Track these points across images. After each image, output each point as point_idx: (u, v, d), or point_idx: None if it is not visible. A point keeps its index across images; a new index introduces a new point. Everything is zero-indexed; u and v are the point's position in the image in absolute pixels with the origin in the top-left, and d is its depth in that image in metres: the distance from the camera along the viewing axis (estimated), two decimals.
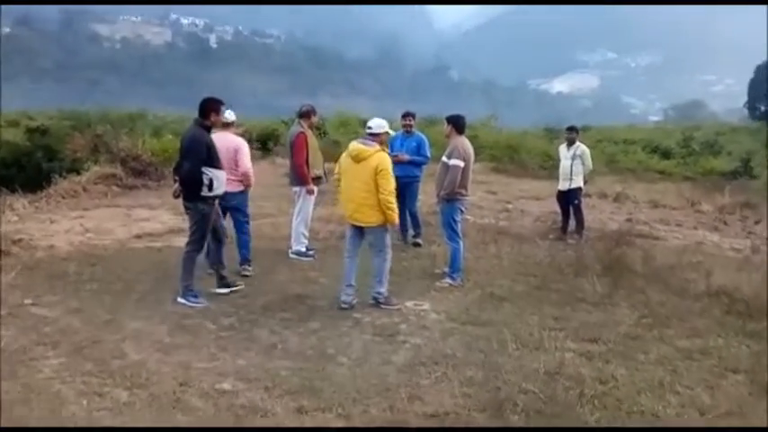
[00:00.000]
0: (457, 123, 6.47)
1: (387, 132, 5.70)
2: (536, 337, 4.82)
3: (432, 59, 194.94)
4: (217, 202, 5.65)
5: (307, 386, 3.86)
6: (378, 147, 5.50)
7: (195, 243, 5.57)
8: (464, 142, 6.44)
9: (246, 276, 6.33)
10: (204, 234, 5.58)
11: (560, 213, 9.38)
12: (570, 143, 9.02)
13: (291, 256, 7.25)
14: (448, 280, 6.36)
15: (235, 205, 6.40)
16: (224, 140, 6.06)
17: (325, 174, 7.57)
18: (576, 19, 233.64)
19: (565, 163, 8.98)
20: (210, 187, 5.40)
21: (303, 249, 7.29)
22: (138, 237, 8.21)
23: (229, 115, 6.37)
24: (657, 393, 4.00)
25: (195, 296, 5.51)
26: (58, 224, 8.93)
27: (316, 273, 6.64)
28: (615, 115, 78.56)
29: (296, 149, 7.11)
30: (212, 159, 5.43)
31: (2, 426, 3.38)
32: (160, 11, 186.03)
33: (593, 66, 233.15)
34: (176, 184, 5.68)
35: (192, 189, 5.41)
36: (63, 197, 11.16)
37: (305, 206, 7.27)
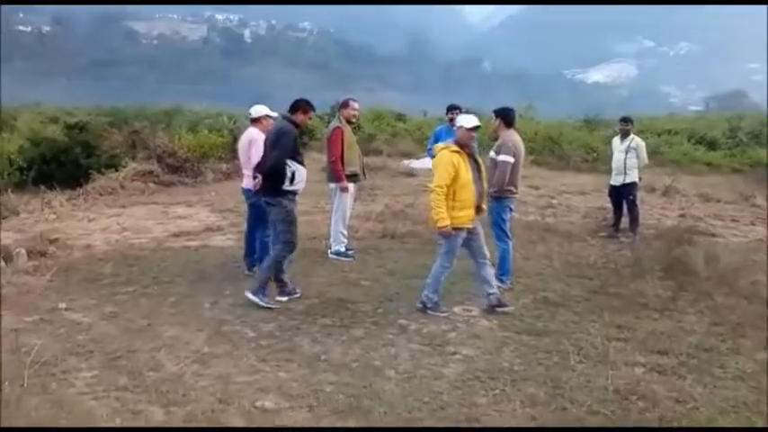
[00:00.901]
0: (506, 117, 6.06)
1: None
2: (600, 349, 4.42)
3: (463, 52, 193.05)
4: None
5: (354, 405, 3.55)
6: (442, 145, 5.33)
7: (286, 244, 5.38)
8: (513, 137, 6.04)
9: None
10: (294, 232, 5.43)
11: (612, 209, 8.88)
12: (624, 135, 8.50)
13: (331, 256, 6.96)
14: (497, 282, 5.98)
15: (254, 202, 6.15)
16: (245, 135, 6.14)
17: (363, 170, 7.24)
18: (612, 8, 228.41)
19: (618, 156, 8.47)
20: (292, 180, 5.26)
21: (343, 249, 6.99)
22: (176, 235, 8.04)
23: (254, 111, 6.18)
24: (743, 415, 3.59)
25: (266, 294, 5.33)
26: (96, 222, 8.84)
27: (356, 274, 6.34)
28: (654, 105, 76.41)
29: (330, 144, 6.81)
30: (298, 153, 5.36)
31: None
32: (195, 8, 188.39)
33: (630, 55, 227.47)
34: (258, 180, 5.40)
35: (274, 182, 5.25)
36: (101, 194, 11.12)
37: (341, 204, 6.96)
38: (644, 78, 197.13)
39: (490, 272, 5.36)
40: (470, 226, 5.17)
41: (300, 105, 5.53)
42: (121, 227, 8.43)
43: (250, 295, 5.26)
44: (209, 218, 9.02)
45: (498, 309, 5.21)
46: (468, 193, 5.07)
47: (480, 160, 5.34)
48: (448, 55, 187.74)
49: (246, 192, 6.13)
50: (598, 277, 6.38)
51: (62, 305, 5.22)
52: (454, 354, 4.39)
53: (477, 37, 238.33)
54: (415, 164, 15.73)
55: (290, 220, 5.35)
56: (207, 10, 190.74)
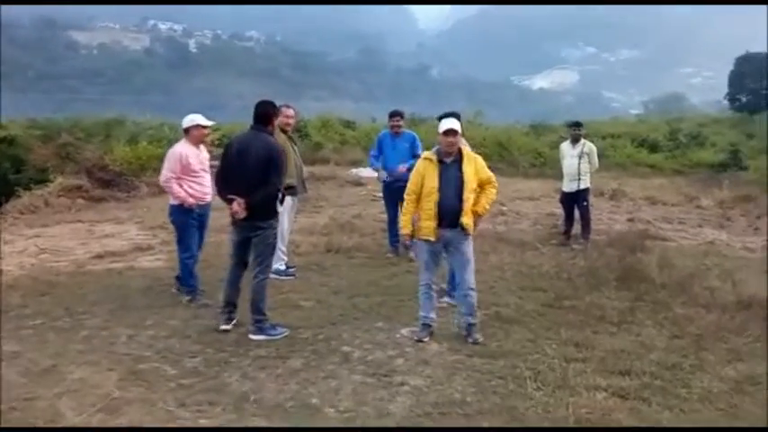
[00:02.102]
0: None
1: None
2: (558, 372, 4.07)
3: (413, 59, 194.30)
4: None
5: None
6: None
7: (267, 267, 4.90)
8: (460, 142, 5.68)
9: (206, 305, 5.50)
10: (273, 254, 4.98)
11: (563, 216, 8.67)
12: (575, 140, 8.29)
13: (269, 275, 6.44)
14: (447, 299, 5.59)
15: (181, 222, 5.65)
16: (173, 149, 5.63)
17: (303, 182, 6.76)
18: (554, 15, 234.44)
19: (571, 162, 8.24)
20: (282, 200, 4.87)
21: (282, 267, 6.49)
22: (99, 257, 7.36)
23: (185, 121, 5.68)
24: None
25: (274, 327, 4.80)
26: (12, 245, 8.05)
27: (297, 295, 5.85)
28: (597, 110, 78.53)
29: None
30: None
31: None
32: (137, 17, 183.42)
33: (573, 61, 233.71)
34: (236, 206, 4.65)
35: (269, 204, 4.75)
36: (22, 213, 10.29)
37: (279, 219, 6.47)
38: (587, 84, 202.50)
39: (471, 300, 4.81)
40: (431, 239, 4.75)
41: (269, 113, 4.91)
42: (39, 249, 7.69)
43: (258, 337, 4.70)
44: (138, 236, 8.36)
45: (468, 339, 4.73)
46: (431, 203, 4.69)
47: (467, 171, 4.70)
48: (398, 62, 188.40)
49: (173, 209, 5.59)
50: (552, 289, 6.08)
51: None
52: (402, 385, 3.95)
53: (427, 44, 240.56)
54: (364, 172, 15.33)
55: (276, 243, 5.00)
56: (149, 20, 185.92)
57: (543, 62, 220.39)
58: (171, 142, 14.43)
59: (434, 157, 4.75)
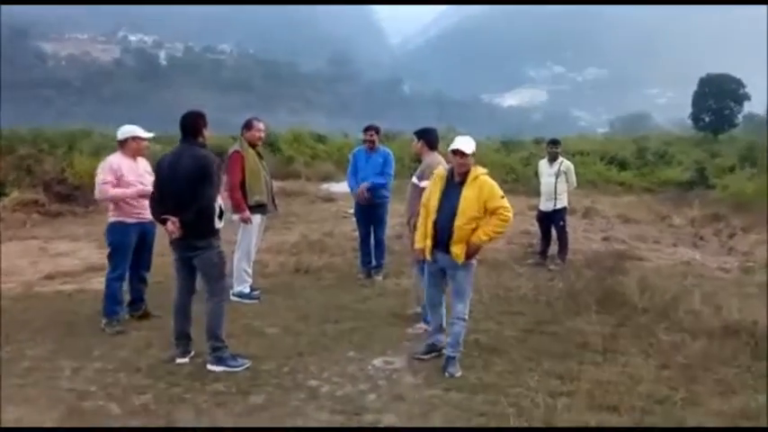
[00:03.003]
0: (429, 138, 5.42)
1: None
2: (542, 409, 3.77)
3: (384, 74, 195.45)
4: None
5: None
6: None
7: (221, 290, 4.55)
8: (437, 160, 5.40)
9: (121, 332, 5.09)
10: (225, 275, 4.60)
11: (540, 235, 8.45)
12: (553, 158, 8.08)
13: (232, 298, 6.03)
14: (423, 324, 5.28)
15: (115, 241, 5.28)
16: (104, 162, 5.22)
17: (272, 199, 6.40)
18: (522, 35, 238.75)
19: (548, 180, 8.03)
20: (221, 216, 4.44)
21: (246, 290, 6.11)
22: (50, 278, 6.87)
23: (120, 132, 5.28)
24: None
25: (235, 358, 4.40)
26: None
27: (261, 321, 5.45)
28: (565, 128, 79.65)
29: (228, 171, 5.95)
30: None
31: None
32: (107, 28, 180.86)
33: (541, 80, 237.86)
34: (170, 225, 4.30)
35: (204, 222, 4.34)
36: None
37: (245, 238, 6.11)
38: (555, 103, 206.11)
39: (457, 330, 4.52)
40: (427, 258, 4.52)
41: (197, 123, 4.48)
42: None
43: (216, 368, 4.31)
44: (93, 255, 7.86)
45: (445, 372, 4.38)
46: (429, 222, 4.45)
47: (466, 195, 4.37)
48: (369, 74, 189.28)
49: (111, 228, 5.22)
50: (531, 313, 5.81)
51: None
52: (373, 425, 3.61)
53: (398, 58, 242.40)
54: (335, 188, 15.02)
55: (224, 262, 4.54)
56: (120, 31, 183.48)
57: (512, 80, 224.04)
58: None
59: (445, 174, 4.51)
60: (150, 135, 5.34)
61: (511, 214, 4.39)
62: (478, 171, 4.49)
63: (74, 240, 8.81)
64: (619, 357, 4.75)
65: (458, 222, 4.32)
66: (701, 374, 4.44)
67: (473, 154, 4.45)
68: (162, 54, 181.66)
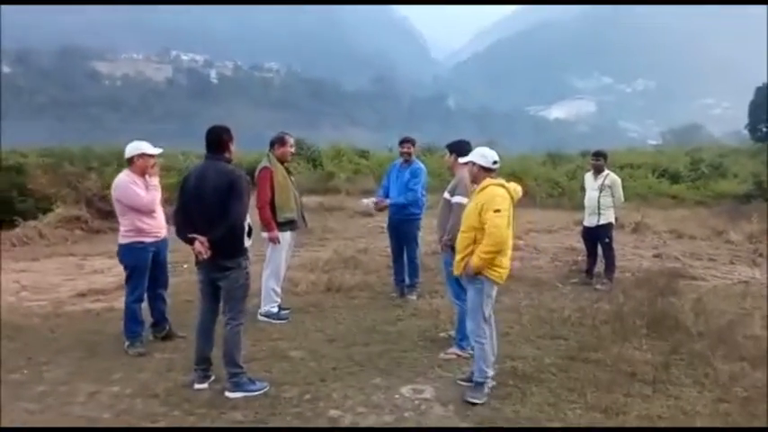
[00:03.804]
0: (461, 151, 5.11)
1: None
2: None
3: (428, 89, 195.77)
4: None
5: None
6: None
7: (242, 313, 4.34)
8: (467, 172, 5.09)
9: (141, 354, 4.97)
10: (247, 296, 4.40)
11: (585, 252, 8.00)
12: (597, 171, 7.63)
13: (260, 317, 5.86)
14: (455, 349, 4.96)
15: (130, 263, 5.18)
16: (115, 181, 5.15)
17: (303, 216, 6.21)
18: (569, 46, 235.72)
19: (591, 195, 7.58)
20: (249, 234, 4.27)
21: (274, 310, 5.91)
22: (82, 295, 6.84)
23: (128, 149, 5.13)
24: None
25: (253, 382, 4.22)
26: None
27: (287, 343, 5.23)
28: (613, 140, 77.85)
29: (257, 187, 5.79)
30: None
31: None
32: (160, 47, 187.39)
33: (589, 92, 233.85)
34: (198, 246, 4.08)
35: (233, 242, 4.16)
36: (14, 245, 9.84)
37: (274, 257, 5.92)
38: (603, 114, 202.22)
39: (475, 354, 4.32)
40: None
41: (222, 138, 4.29)
42: (21, 286, 7.18)
43: (235, 395, 4.12)
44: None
45: (469, 398, 4.10)
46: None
47: (468, 206, 4.37)
48: (413, 92, 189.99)
49: (120, 249, 5.10)
50: (574, 338, 5.41)
51: None
52: None
53: (442, 74, 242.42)
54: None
55: (249, 285, 4.33)
56: (172, 51, 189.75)
57: (559, 92, 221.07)
58: (181, 172, 14.16)
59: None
60: (158, 151, 5.21)
61: (498, 231, 4.05)
62: (489, 182, 4.25)
63: (111, 257, 8.75)
64: (670, 389, 4.32)
65: (460, 234, 4.26)
66: (762, 408, 3.98)
67: (475, 164, 4.31)
68: (212, 73, 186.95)
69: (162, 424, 3.72)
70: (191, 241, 4.13)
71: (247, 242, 4.27)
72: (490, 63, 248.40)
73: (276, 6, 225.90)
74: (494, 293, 4.29)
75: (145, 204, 5.03)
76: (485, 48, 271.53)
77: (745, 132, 37.84)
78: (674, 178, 22.27)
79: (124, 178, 5.06)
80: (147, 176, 5.13)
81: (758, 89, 36.85)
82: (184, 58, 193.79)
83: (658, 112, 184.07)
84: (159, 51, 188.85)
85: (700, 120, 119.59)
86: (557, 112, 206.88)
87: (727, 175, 23.08)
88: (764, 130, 35.24)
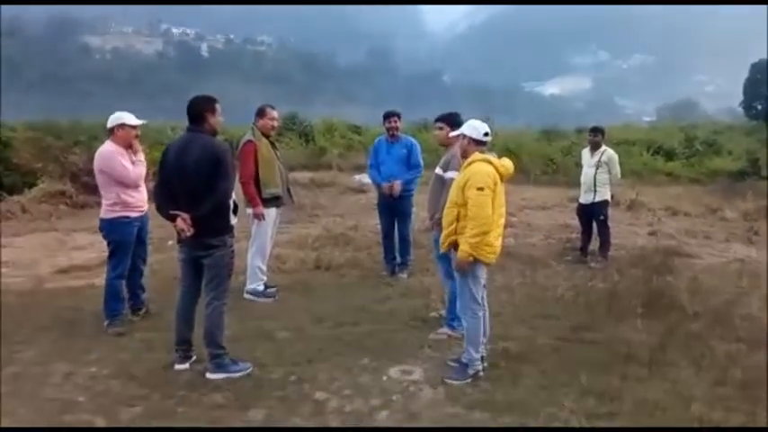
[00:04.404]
0: (453, 123, 4.88)
1: None
2: None
3: (424, 64, 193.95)
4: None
5: None
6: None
7: (225, 293, 4.12)
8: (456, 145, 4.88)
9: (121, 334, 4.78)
10: (231, 276, 4.20)
11: (579, 229, 7.86)
12: (594, 147, 7.44)
13: (246, 296, 5.70)
14: (446, 329, 4.82)
15: (115, 238, 5.00)
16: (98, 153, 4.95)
17: (289, 192, 6.01)
18: (566, 21, 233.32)
19: (588, 171, 7.40)
20: (236, 210, 4.08)
21: (260, 288, 5.74)
22: (64, 271, 6.67)
23: (110, 120, 4.94)
24: None
25: (236, 363, 4.06)
26: None
27: (273, 322, 5.07)
28: (609, 117, 77.52)
29: (240, 162, 5.58)
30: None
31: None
32: (151, 21, 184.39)
33: (585, 68, 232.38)
34: (180, 223, 3.88)
35: (219, 219, 3.96)
36: None
37: (259, 234, 5.74)
38: (599, 91, 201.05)
39: (465, 333, 4.18)
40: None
41: (202, 109, 4.02)
42: (1, 262, 6.98)
43: (216, 375, 3.96)
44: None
45: (447, 379, 3.99)
46: None
47: (454, 182, 4.24)
48: (409, 67, 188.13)
49: (103, 224, 4.91)
50: (568, 317, 5.28)
51: None
52: None
53: (438, 49, 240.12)
54: (366, 179, 14.60)
55: (233, 263, 4.14)
56: (163, 24, 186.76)
57: (555, 68, 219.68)
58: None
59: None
60: (140, 122, 5.00)
61: (481, 210, 3.85)
62: (476, 157, 4.05)
63: (94, 233, 8.55)
64: (667, 371, 4.20)
65: (444, 210, 4.14)
66: (762, 393, 3.86)
67: (465, 137, 4.14)
68: (204, 46, 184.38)
69: (139, 408, 3.56)
70: (172, 218, 3.93)
71: (233, 219, 4.09)
72: (486, 38, 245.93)
73: None
74: (482, 274, 4.11)
75: (132, 179, 4.87)
76: (480, 22, 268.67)
77: (739, 109, 37.59)
78: (669, 155, 22.14)
79: (109, 149, 4.88)
80: (132, 151, 4.95)
81: (753, 65, 36.55)
82: (175, 31, 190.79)
83: (654, 89, 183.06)
84: (149, 24, 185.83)
85: (694, 96, 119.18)
86: (552, 88, 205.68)
87: (722, 152, 22.97)
88: (759, 107, 35.04)
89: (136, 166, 4.90)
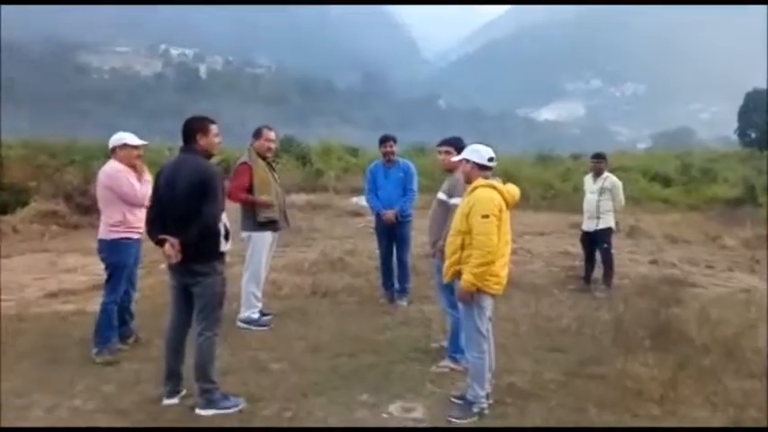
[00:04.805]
0: (460, 148, 4.74)
1: None
2: None
3: (420, 89, 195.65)
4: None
5: None
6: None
7: (216, 323, 3.89)
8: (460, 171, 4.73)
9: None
10: (223, 305, 3.97)
11: (581, 256, 7.71)
12: (597, 174, 7.34)
13: (239, 324, 5.50)
14: (448, 362, 4.62)
15: (113, 260, 4.79)
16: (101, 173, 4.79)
17: (285, 215, 5.84)
18: (560, 48, 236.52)
19: (590, 198, 7.28)
20: (227, 237, 3.87)
21: (255, 315, 5.54)
22: (52, 295, 6.45)
23: (112, 140, 4.82)
24: None
25: (227, 398, 3.83)
26: None
27: (267, 353, 4.86)
28: (603, 143, 78.15)
29: (231, 181, 5.43)
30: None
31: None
32: (149, 41, 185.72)
33: (579, 94, 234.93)
34: (168, 248, 3.71)
35: (207, 244, 3.76)
36: None
37: (254, 259, 5.54)
38: (593, 117, 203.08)
39: (470, 369, 3.99)
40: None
41: (193, 129, 3.87)
42: None
43: (206, 412, 3.74)
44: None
45: (450, 417, 3.78)
46: None
47: (458, 209, 4.05)
48: (405, 91, 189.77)
49: (103, 245, 4.73)
50: (574, 350, 5.09)
51: None
52: None
53: (434, 74, 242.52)
54: (363, 201, 14.47)
55: (224, 291, 3.93)
56: (161, 44, 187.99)
57: (549, 94, 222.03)
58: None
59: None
60: (142, 143, 4.86)
61: (486, 239, 3.69)
62: (480, 183, 3.91)
63: (86, 254, 8.37)
64: (680, 408, 4.01)
65: (448, 239, 3.97)
66: None
67: (469, 161, 3.99)
68: (202, 68, 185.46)
69: None
70: (161, 242, 3.75)
71: (224, 246, 3.89)
72: (481, 64, 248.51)
73: (268, 5, 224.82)
74: (488, 305, 3.94)
75: (139, 198, 4.72)
76: (475, 49, 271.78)
77: (734, 137, 38.08)
78: (666, 182, 22.22)
79: (115, 166, 4.75)
80: (137, 171, 4.83)
81: (748, 94, 37.22)
82: (174, 52, 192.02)
83: (647, 116, 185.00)
84: (148, 45, 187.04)
85: (689, 124, 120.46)
86: (547, 114, 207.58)
87: (718, 179, 23.08)
88: (753, 135, 35.48)
89: (143, 185, 4.75)
